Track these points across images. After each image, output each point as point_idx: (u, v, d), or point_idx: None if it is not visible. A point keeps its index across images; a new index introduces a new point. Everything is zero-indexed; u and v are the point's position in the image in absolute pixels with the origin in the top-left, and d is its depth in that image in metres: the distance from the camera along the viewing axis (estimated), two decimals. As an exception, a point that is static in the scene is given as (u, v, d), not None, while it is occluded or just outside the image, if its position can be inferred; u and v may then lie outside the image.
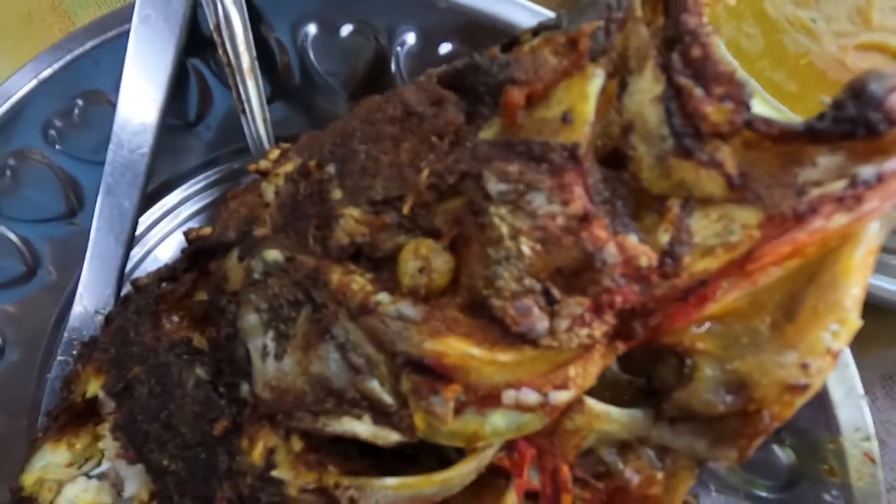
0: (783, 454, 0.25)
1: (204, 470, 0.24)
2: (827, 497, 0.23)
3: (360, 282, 0.21)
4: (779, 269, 0.18)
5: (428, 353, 0.19)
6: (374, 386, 0.21)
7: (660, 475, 0.20)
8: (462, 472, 0.20)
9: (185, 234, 0.30)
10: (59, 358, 0.35)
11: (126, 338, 0.28)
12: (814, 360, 0.17)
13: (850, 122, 0.15)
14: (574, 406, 0.20)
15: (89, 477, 0.30)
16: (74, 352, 0.34)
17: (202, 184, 0.37)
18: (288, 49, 0.32)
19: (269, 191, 0.25)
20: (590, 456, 0.21)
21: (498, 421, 0.19)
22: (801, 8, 0.24)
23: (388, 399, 0.21)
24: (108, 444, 0.28)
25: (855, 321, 0.17)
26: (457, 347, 0.19)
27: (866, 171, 0.16)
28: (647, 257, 0.17)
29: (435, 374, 0.19)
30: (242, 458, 0.24)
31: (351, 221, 0.22)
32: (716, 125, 0.16)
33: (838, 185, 0.16)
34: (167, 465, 0.25)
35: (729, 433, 0.19)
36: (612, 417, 0.20)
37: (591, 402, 0.20)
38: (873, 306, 0.27)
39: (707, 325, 0.19)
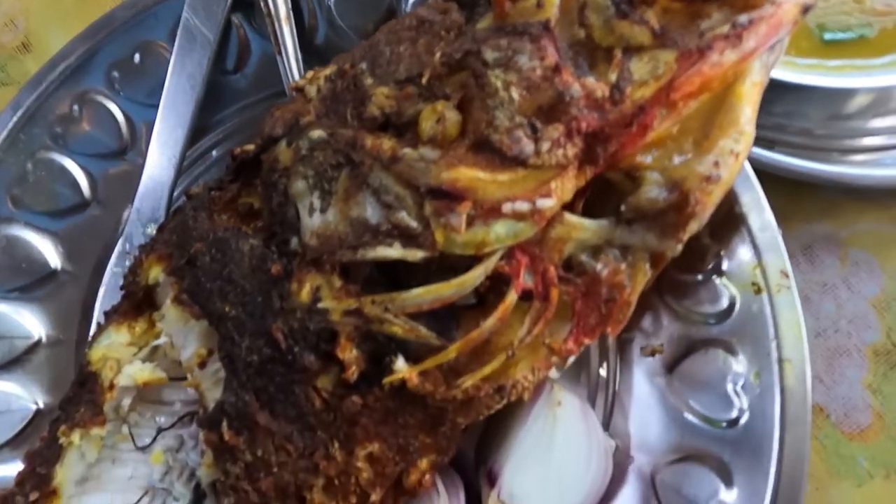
0: (724, 288, 0.31)
1: (260, 310, 0.29)
2: (754, 307, 0.30)
3: (389, 143, 0.28)
4: (695, 102, 0.25)
5: (444, 181, 0.26)
6: (403, 216, 0.27)
7: (623, 266, 0.26)
8: (473, 276, 0.26)
9: (230, 152, 0.36)
10: (113, 269, 0.40)
11: (186, 226, 0.33)
12: (722, 158, 0.24)
13: (727, -18, 0.23)
14: (556, 217, 0.26)
15: (143, 361, 0.35)
16: (127, 262, 0.40)
17: (237, 126, 0.44)
18: (315, 8, 0.40)
19: (311, 90, 0.31)
20: (571, 271, 0.28)
21: (500, 229, 0.26)
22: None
23: (414, 224, 0.27)
24: (169, 315, 0.33)
25: (749, 132, 0.25)
26: (466, 173, 0.26)
27: (742, 17, 0.23)
28: (601, 90, 0.24)
29: (450, 196, 0.26)
30: (292, 299, 0.29)
31: (381, 97, 0.28)
32: (642, -6, 0.24)
33: (725, 28, 0.23)
34: (228, 310, 0.30)
35: (669, 225, 0.25)
36: (584, 226, 0.26)
37: (568, 216, 0.26)
38: (794, 184, 0.35)
39: (651, 153, 0.26)
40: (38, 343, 0.40)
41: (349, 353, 0.28)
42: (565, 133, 0.25)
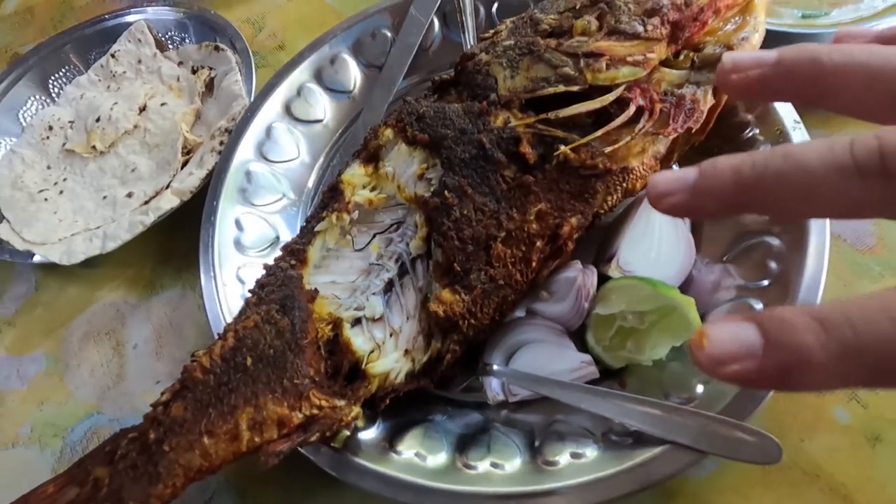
0: (757, 142, 0.49)
1: (470, 130, 0.49)
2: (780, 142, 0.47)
3: (555, 39, 0.49)
4: (734, 9, 0.46)
5: (594, 48, 0.47)
6: (567, 69, 0.47)
7: (698, 92, 0.45)
8: (608, 96, 0.46)
9: (432, 79, 0.59)
10: (337, 156, 0.60)
11: (411, 105, 0.54)
12: (748, 33, 0.45)
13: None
14: (656, 68, 0.46)
15: (370, 191, 0.53)
16: (351, 149, 0.60)
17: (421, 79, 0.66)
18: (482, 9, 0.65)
19: (501, 27, 0.54)
20: (666, 97, 0.47)
21: (625, 70, 0.46)
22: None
23: (573, 72, 0.47)
24: (397, 154, 0.52)
25: (763, 23, 0.45)
26: (605, 44, 0.47)
27: (751, -35, 0.46)
28: (680, 0, 0.46)
29: (596, 55, 0.46)
30: (491, 124, 0.48)
31: (549, 19, 0.50)
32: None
33: (743, -30, 0.46)
34: (449, 133, 0.49)
35: (723, 67, 0.45)
36: (672, 73, 0.46)
37: (663, 68, 0.46)
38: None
39: (708, 37, 0.47)
40: (281, 197, 0.59)
41: (528, 150, 0.47)
42: (660, 22, 0.46)
